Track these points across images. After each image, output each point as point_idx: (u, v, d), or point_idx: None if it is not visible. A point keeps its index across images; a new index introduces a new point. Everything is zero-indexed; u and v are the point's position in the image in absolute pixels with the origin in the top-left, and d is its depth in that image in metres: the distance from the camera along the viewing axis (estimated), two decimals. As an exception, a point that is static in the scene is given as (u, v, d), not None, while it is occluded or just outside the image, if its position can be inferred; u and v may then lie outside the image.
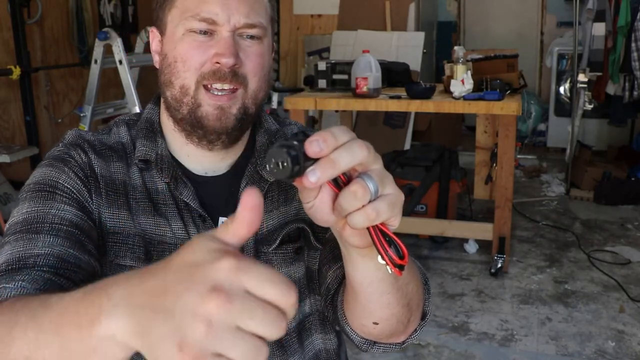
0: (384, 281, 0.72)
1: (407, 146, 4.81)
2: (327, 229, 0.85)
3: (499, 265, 3.17)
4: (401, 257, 0.60)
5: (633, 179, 4.51)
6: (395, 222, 0.60)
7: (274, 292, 0.42)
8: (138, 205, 0.86)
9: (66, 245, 0.75)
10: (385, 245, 0.60)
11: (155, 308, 0.42)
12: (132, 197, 0.86)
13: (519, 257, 3.43)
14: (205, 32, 0.82)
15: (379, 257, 0.61)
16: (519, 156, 5.18)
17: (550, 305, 2.87)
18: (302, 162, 0.55)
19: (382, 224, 0.60)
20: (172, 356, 0.40)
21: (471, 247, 3.52)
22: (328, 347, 0.98)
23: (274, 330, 0.42)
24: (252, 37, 0.84)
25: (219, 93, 0.82)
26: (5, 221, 3.21)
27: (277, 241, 0.90)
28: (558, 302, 2.90)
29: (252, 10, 0.83)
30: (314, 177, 0.55)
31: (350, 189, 0.57)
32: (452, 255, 3.50)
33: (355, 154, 0.56)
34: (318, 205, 0.62)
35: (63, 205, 0.79)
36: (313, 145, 0.54)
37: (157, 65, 0.88)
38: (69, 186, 0.82)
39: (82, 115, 3.49)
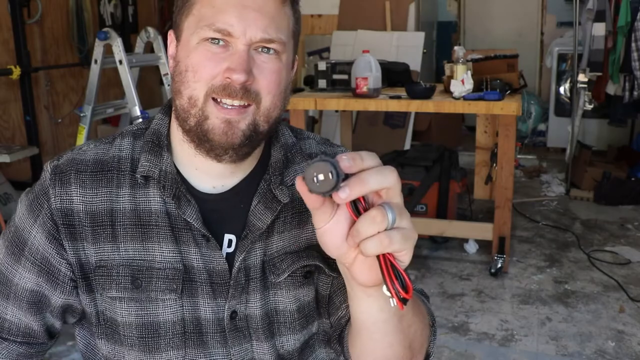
0: (387, 322, 0.74)
1: (407, 146, 4.81)
2: None
3: (499, 265, 3.17)
4: (406, 291, 0.62)
5: (633, 179, 4.50)
6: (405, 257, 0.63)
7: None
8: (125, 232, 0.84)
9: (29, 318, 0.87)
10: (393, 277, 0.62)
11: None
12: (120, 223, 0.84)
13: (519, 257, 3.43)
14: (219, 41, 0.78)
15: (384, 287, 0.63)
16: (519, 156, 5.18)
17: (550, 305, 2.87)
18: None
19: (392, 256, 0.63)
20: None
21: (471, 247, 3.52)
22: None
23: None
24: (269, 50, 0.79)
25: (229, 107, 0.79)
26: (5, 221, 3.21)
27: (286, 274, 0.87)
28: (558, 302, 2.90)
29: (272, 24, 0.78)
30: (344, 194, 0.60)
31: (371, 214, 0.61)
32: (452, 255, 3.50)
33: (386, 177, 0.61)
34: (332, 229, 0.65)
35: (25, 272, 0.86)
36: (344, 161, 0.60)
37: (170, 71, 0.85)
38: (37, 245, 0.85)
39: (82, 115, 3.49)
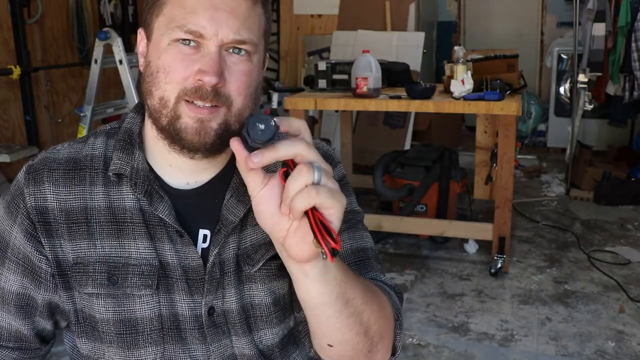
0: (329, 305, 0.76)
1: (407, 146, 4.81)
2: None
3: (499, 265, 3.17)
4: (335, 242, 0.66)
5: (633, 179, 4.50)
6: (334, 217, 0.68)
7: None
8: (101, 229, 0.85)
9: (18, 322, 0.88)
10: (322, 230, 0.67)
11: None
12: (95, 221, 0.85)
13: (519, 257, 3.43)
14: (190, 42, 0.78)
15: (314, 240, 0.67)
16: (519, 156, 5.18)
17: (550, 305, 2.87)
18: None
19: (321, 215, 0.67)
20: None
21: (471, 247, 3.52)
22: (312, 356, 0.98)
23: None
24: (240, 51, 0.80)
25: (200, 106, 0.79)
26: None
27: (260, 263, 0.88)
28: (558, 302, 2.90)
29: (243, 26, 0.79)
30: (257, 158, 0.68)
31: (297, 168, 0.67)
32: (452, 255, 3.50)
33: (295, 145, 0.68)
34: (266, 196, 0.71)
35: (10, 274, 0.87)
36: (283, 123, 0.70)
37: (141, 69, 0.85)
38: (18, 245, 0.86)
39: (82, 115, 3.49)
